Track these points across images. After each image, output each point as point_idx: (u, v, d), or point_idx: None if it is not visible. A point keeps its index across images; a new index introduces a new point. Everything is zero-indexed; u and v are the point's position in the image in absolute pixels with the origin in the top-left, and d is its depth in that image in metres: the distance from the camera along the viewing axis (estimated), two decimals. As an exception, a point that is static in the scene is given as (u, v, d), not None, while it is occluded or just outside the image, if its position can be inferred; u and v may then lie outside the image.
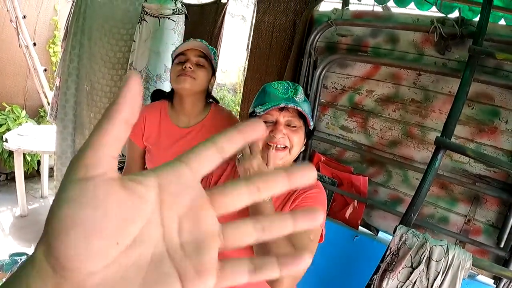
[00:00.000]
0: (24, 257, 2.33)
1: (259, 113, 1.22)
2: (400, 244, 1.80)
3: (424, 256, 1.74)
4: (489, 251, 1.99)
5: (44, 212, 3.86)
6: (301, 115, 1.24)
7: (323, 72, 2.38)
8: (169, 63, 2.99)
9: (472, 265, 1.70)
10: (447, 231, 2.05)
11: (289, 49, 2.64)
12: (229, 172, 1.42)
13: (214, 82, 1.73)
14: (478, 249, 1.99)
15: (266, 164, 1.17)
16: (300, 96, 1.25)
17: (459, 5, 2.68)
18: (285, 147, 1.22)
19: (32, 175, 4.41)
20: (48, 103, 4.38)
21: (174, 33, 2.97)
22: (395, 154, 2.24)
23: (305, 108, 1.22)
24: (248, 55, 3.02)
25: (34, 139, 3.73)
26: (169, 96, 1.73)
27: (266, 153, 1.19)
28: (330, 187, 2.31)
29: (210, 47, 1.64)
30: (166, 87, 3.01)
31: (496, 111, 1.96)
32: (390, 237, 2.34)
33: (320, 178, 2.37)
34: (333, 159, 2.44)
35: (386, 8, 3.08)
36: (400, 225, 1.81)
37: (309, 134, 1.32)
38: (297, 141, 1.23)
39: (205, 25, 3.33)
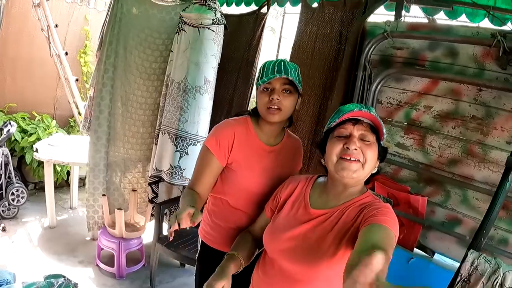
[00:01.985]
0: (61, 280, 2.25)
1: (332, 126, 1.29)
2: (471, 270, 1.70)
3: (497, 282, 1.64)
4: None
5: (73, 223, 3.80)
6: (373, 130, 1.27)
7: (378, 87, 2.29)
8: (209, 75, 2.93)
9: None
10: (508, 253, 1.94)
11: (335, 61, 2.57)
12: (299, 191, 1.44)
13: (300, 101, 1.69)
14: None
15: (340, 175, 1.25)
16: (374, 110, 1.28)
17: (512, 17, 2.59)
18: (358, 161, 1.24)
19: (61, 185, 4.36)
20: (79, 113, 4.36)
21: (214, 43, 2.92)
22: (454, 173, 2.14)
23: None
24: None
25: (65, 149, 3.68)
26: (254, 113, 1.71)
27: (340, 165, 1.25)
28: (384, 206, 2.21)
29: (293, 67, 1.59)
30: (206, 99, 2.95)
31: None
32: (447, 259, 2.25)
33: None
34: (388, 178, 2.34)
35: (433, 20, 2.98)
36: (471, 250, 1.71)
37: (382, 154, 1.34)
38: (371, 156, 1.25)
39: (243, 35, 3.28)
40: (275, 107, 1.56)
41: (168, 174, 2.99)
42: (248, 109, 2.17)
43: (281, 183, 1.63)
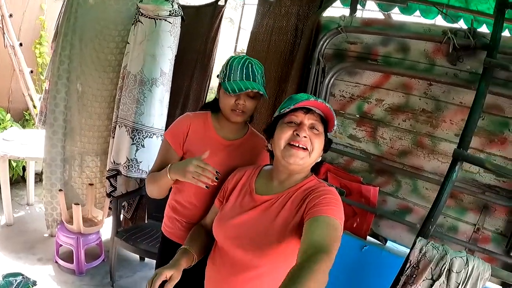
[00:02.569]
0: (19, 278, 2.20)
1: (285, 112, 1.30)
2: (420, 256, 1.77)
3: (445, 268, 1.73)
4: (497, 259, 2.00)
5: (31, 220, 3.70)
6: (323, 121, 1.33)
7: (332, 80, 2.34)
8: (165, 67, 2.90)
9: (491, 275, 1.70)
10: (456, 240, 2.06)
11: (290, 54, 2.59)
12: (245, 180, 1.47)
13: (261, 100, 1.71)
14: (486, 257, 1.99)
15: (286, 161, 1.29)
16: (327, 104, 1.30)
17: (465, 15, 2.69)
18: (305, 149, 1.27)
19: (17, 181, 4.21)
20: (34, 106, 4.22)
21: (171, 35, 2.89)
22: (405, 164, 2.23)
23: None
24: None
25: (20, 144, 3.56)
26: (214, 108, 1.72)
27: (288, 151, 1.27)
28: (337, 196, 2.28)
29: (259, 69, 1.61)
30: (162, 91, 2.92)
31: (506, 122, 1.98)
32: (399, 247, 2.34)
33: (327, 187, 2.33)
34: (341, 169, 2.41)
35: (388, 16, 3.06)
36: (420, 238, 1.78)
37: (327, 145, 1.38)
38: (318, 146, 1.29)
39: (201, 27, 3.25)
40: (240, 110, 1.59)
41: (125, 167, 2.96)
42: (206, 101, 2.15)
43: None
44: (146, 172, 2.98)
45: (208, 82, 3.31)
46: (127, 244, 2.85)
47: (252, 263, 1.28)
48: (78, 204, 2.91)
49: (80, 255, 2.97)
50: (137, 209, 3.42)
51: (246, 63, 1.58)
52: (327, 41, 2.33)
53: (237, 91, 1.53)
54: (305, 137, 1.26)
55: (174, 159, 1.67)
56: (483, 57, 1.91)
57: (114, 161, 3.03)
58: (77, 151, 3.26)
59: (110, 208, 3.20)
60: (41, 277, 2.89)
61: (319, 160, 1.38)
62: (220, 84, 1.63)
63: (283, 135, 1.29)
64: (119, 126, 2.97)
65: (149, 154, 2.95)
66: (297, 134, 1.26)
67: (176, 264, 1.36)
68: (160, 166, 1.68)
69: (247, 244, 1.29)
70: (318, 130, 1.30)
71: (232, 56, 1.63)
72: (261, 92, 1.58)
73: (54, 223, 3.28)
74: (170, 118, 3.13)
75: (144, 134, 2.93)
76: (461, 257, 1.74)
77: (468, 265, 1.73)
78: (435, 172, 2.15)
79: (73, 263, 2.99)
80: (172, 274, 1.30)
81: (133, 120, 2.91)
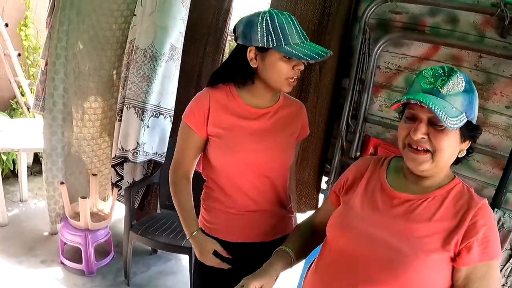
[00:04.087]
0: None
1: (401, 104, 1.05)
2: (498, 227, 1.75)
3: None
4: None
5: (26, 218, 3.34)
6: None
7: (378, 52, 2.19)
8: (176, 41, 2.63)
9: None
10: (509, 210, 1.95)
11: (319, 24, 2.40)
12: (371, 172, 1.22)
13: None
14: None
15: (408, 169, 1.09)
16: (452, 86, 0.98)
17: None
18: (426, 151, 1.02)
19: (7, 176, 3.80)
20: (22, 94, 3.84)
21: (183, 6, 2.59)
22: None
23: (454, 103, 0.97)
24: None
25: (11, 135, 3.21)
26: (242, 77, 1.44)
27: (406, 155, 1.06)
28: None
29: None
30: (171, 67, 2.66)
31: None
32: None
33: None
34: (389, 143, 2.28)
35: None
36: (496, 209, 1.79)
37: (471, 133, 1.04)
38: (445, 144, 1.00)
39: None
40: (295, 77, 1.39)
41: (134, 153, 2.70)
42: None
43: (283, 151, 1.49)
44: (151, 154, 2.74)
45: (221, 59, 3.07)
46: (145, 238, 2.59)
47: (382, 276, 1.02)
48: (85, 198, 2.63)
49: (90, 253, 2.68)
50: (145, 197, 3.15)
51: (296, 21, 1.36)
52: (372, 10, 2.15)
53: (315, 57, 1.30)
54: (422, 137, 1.00)
55: (198, 144, 1.48)
56: None
57: (122, 147, 2.75)
58: (75, 138, 2.95)
59: (118, 200, 2.93)
60: (47, 281, 2.61)
61: (463, 154, 1.07)
62: (259, 50, 1.35)
63: (401, 134, 1.07)
64: (127, 108, 2.68)
65: (153, 135, 2.71)
66: (411, 136, 1.02)
67: (268, 270, 1.17)
68: (182, 156, 1.52)
69: (383, 251, 1.03)
70: (442, 125, 0.97)
71: (266, 12, 1.34)
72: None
73: (57, 218, 2.93)
74: (185, 99, 2.88)
75: (150, 113, 2.66)
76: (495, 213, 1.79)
77: (500, 221, 1.80)
78: (486, 145, 2.06)
79: (81, 263, 2.69)
80: (263, 285, 1.14)
81: (143, 100, 2.63)
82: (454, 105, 0.97)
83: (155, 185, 3.08)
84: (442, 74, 1.00)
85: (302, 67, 1.38)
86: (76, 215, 2.73)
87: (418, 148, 1.01)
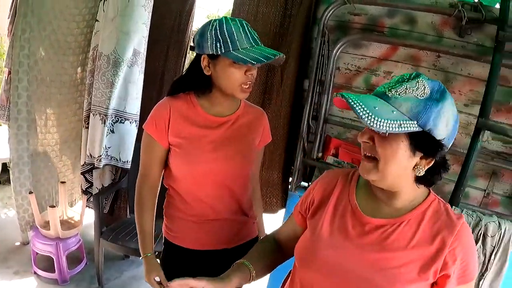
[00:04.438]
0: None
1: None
2: None
3: (480, 233, 1.84)
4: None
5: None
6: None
7: (338, 53, 2.24)
8: (139, 45, 2.60)
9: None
10: (468, 205, 2.10)
11: (281, 26, 2.44)
12: (340, 191, 1.10)
13: None
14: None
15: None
16: (405, 90, 0.88)
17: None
18: (371, 158, 0.94)
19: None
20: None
21: (145, 10, 2.57)
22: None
23: (399, 107, 0.87)
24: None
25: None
26: (200, 86, 1.44)
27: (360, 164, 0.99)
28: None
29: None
30: (135, 72, 2.63)
31: (510, 92, 2.04)
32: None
33: (338, 163, 2.27)
34: (350, 143, 2.36)
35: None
36: (453, 207, 1.84)
37: (430, 148, 0.91)
38: (386, 153, 0.90)
39: (173, 1, 2.98)
40: (250, 84, 1.37)
41: (99, 160, 2.68)
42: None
43: (243, 159, 1.49)
44: (116, 160, 2.73)
45: (183, 61, 3.07)
46: (116, 244, 2.59)
47: None
48: (54, 207, 2.59)
49: (62, 262, 2.66)
50: (114, 203, 3.13)
51: (246, 26, 1.34)
52: (331, 12, 2.20)
53: (263, 60, 1.28)
54: (366, 142, 0.94)
55: (161, 153, 1.46)
56: (489, 30, 2.00)
57: (90, 154, 2.72)
58: (40, 144, 2.88)
59: (88, 206, 2.91)
60: (21, 292, 2.57)
61: (421, 174, 0.94)
62: (211, 57, 1.35)
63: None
64: (93, 115, 2.65)
65: (117, 140, 2.70)
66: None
67: (225, 280, 1.06)
68: (147, 168, 1.50)
69: (356, 286, 0.96)
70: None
71: (216, 20, 1.35)
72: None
73: (27, 226, 2.89)
74: (148, 102, 2.87)
75: (114, 119, 2.65)
76: (493, 221, 1.86)
77: (500, 228, 1.86)
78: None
79: (54, 272, 2.66)
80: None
81: (106, 107, 2.60)
82: (398, 109, 0.87)
83: (124, 190, 3.06)
84: (405, 80, 0.91)
85: (254, 72, 1.36)
86: (46, 224, 2.69)
87: (366, 154, 0.95)
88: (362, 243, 0.99)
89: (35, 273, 2.74)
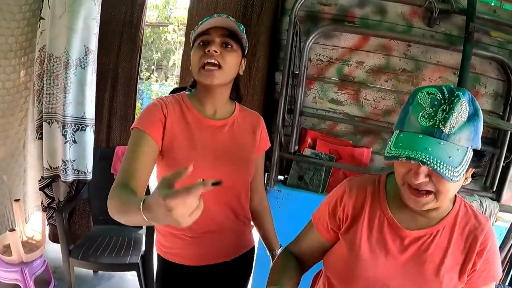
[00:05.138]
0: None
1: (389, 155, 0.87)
2: None
3: None
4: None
5: None
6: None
7: (310, 44, 2.23)
8: (90, 43, 2.39)
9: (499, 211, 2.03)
10: None
11: (243, 16, 2.38)
12: (371, 202, 1.07)
13: (244, 65, 1.39)
14: (468, 194, 2.23)
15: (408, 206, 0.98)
16: (456, 119, 0.84)
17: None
18: (429, 192, 0.91)
19: None
20: None
21: (95, 4, 2.35)
22: (390, 122, 2.30)
23: (459, 142, 0.85)
24: (186, 25, 2.63)
25: None
26: (192, 86, 1.40)
27: (406, 194, 0.94)
28: (328, 163, 2.27)
29: (238, 23, 1.31)
30: (89, 73, 2.43)
31: (477, 77, 2.21)
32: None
33: (315, 155, 2.30)
34: (325, 134, 2.39)
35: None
36: None
37: (478, 162, 0.91)
38: (447, 187, 0.89)
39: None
40: (213, 61, 1.23)
41: (62, 171, 2.46)
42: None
43: (243, 166, 1.39)
44: (84, 173, 2.53)
45: (139, 58, 2.87)
46: (87, 262, 2.43)
47: None
48: (14, 230, 2.34)
49: None
50: (70, 218, 2.90)
51: (215, 15, 1.29)
52: (301, 2, 2.15)
53: (207, 28, 1.25)
54: (423, 181, 0.89)
55: (152, 151, 1.24)
56: (456, 20, 2.12)
57: (50, 166, 2.48)
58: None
59: (51, 224, 2.68)
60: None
61: (467, 182, 0.96)
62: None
63: (399, 174, 0.95)
64: (49, 123, 2.41)
65: (82, 150, 2.49)
66: (413, 180, 0.90)
67: None
68: (134, 166, 1.18)
69: None
70: None
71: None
72: (238, 40, 1.29)
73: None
74: (99, 104, 2.68)
75: (74, 127, 2.43)
76: (476, 200, 1.97)
77: (482, 206, 1.97)
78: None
79: (22, 300, 2.44)
80: None
81: (63, 114, 2.37)
82: (459, 144, 0.85)
83: (85, 201, 2.85)
84: (442, 102, 0.86)
85: (212, 48, 1.24)
86: (6, 249, 2.43)
87: (420, 191, 0.91)
88: (403, 258, 0.99)
89: (2, 304, 2.48)
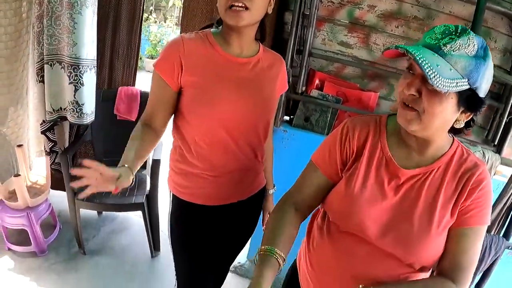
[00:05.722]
0: None
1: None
2: None
3: None
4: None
5: None
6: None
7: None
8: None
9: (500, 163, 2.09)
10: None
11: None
12: (372, 140, 1.09)
13: (273, 3, 1.35)
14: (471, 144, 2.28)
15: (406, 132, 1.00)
16: (459, 46, 0.88)
17: None
18: (414, 109, 0.93)
19: None
20: None
21: None
22: (398, 68, 2.32)
23: (455, 65, 0.87)
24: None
25: None
26: (218, 23, 1.38)
27: (398, 112, 0.97)
28: (334, 105, 2.30)
29: None
30: (90, 13, 2.30)
31: (488, 31, 2.19)
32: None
33: (322, 97, 2.32)
34: (333, 76, 2.40)
35: None
36: None
37: (475, 105, 0.93)
38: (434, 108, 0.91)
39: None
40: (240, 4, 1.21)
41: (71, 110, 2.41)
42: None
43: (266, 104, 1.41)
44: (86, 114, 2.48)
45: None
46: (93, 203, 2.45)
47: (404, 259, 1.02)
48: (19, 175, 2.31)
49: (37, 232, 2.43)
50: (74, 159, 2.86)
51: None
52: None
53: None
54: (412, 95, 0.92)
55: (169, 95, 1.33)
56: None
57: (53, 109, 2.42)
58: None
59: (56, 170, 2.65)
60: None
61: (460, 125, 0.99)
62: None
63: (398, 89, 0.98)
64: (50, 65, 2.33)
65: (90, 93, 2.45)
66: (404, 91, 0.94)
67: (261, 284, 0.94)
68: (154, 107, 1.34)
69: (398, 235, 1.01)
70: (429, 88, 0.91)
71: None
72: None
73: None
74: (100, 44, 2.59)
75: (80, 69, 2.34)
76: (478, 151, 2.04)
77: (485, 157, 2.05)
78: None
79: (30, 244, 2.44)
80: None
81: (68, 54, 2.29)
82: (454, 66, 0.87)
83: (87, 144, 2.81)
84: (453, 32, 0.90)
85: None
86: (12, 195, 2.41)
87: (408, 106, 0.93)
88: (398, 196, 1.03)
89: (9, 249, 2.48)
